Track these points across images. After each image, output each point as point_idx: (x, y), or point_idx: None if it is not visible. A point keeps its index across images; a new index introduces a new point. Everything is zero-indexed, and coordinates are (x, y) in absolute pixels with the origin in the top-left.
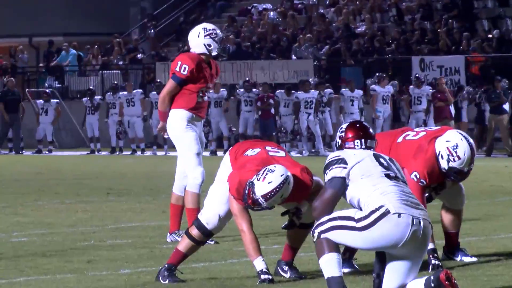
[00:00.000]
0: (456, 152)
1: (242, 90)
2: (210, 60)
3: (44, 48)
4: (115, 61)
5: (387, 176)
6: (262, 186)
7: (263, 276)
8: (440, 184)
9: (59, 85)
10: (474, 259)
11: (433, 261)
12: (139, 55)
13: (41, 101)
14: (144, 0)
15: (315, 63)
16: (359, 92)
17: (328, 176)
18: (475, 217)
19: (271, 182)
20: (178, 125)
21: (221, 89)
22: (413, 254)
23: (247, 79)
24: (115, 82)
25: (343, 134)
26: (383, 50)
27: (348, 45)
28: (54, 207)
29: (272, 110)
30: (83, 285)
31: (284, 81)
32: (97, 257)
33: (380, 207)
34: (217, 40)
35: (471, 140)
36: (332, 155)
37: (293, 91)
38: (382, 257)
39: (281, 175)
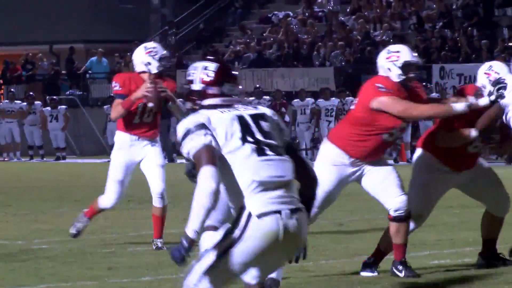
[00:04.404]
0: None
1: (253, 97)
2: (156, 78)
3: (64, 55)
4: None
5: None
6: None
7: None
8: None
9: (79, 92)
10: None
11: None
12: None
13: (48, 108)
14: (165, 7)
15: (339, 69)
16: None
17: None
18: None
19: None
20: (114, 147)
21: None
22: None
23: (257, 85)
24: None
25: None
26: None
27: (368, 53)
28: (74, 214)
29: (287, 118)
30: None
31: (304, 88)
32: (118, 264)
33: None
34: (156, 58)
35: None
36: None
37: (308, 98)
38: None
39: None
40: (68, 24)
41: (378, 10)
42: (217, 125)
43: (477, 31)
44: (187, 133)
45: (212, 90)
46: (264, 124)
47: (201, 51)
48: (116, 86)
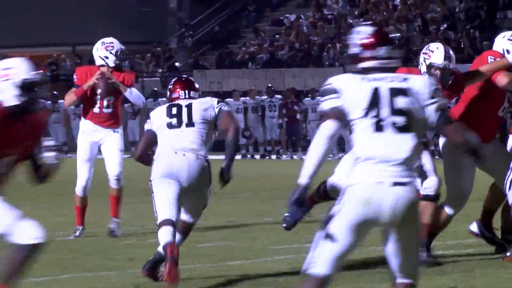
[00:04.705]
0: None
1: (265, 96)
2: (115, 71)
3: (87, 56)
4: (156, 68)
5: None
6: None
7: None
8: None
9: None
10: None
11: None
12: (177, 63)
13: (71, 107)
14: (181, 10)
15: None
16: None
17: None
18: None
19: None
20: (79, 132)
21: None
22: None
23: (269, 85)
24: (155, 88)
25: (171, 86)
26: (408, 58)
27: None
28: (95, 207)
29: (298, 116)
30: (124, 281)
31: (315, 88)
32: (138, 255)
33: None
34: (113, 53)
35: None
36: None
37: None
38: None
39: None
40: (90, 27)
41: (384, 13)
42: (349, 93)
43: (479, 33)
44: (323, 92)
45: (368, 53)
46: (400, 100)
47: (217, 52)
48: (74, 78)
